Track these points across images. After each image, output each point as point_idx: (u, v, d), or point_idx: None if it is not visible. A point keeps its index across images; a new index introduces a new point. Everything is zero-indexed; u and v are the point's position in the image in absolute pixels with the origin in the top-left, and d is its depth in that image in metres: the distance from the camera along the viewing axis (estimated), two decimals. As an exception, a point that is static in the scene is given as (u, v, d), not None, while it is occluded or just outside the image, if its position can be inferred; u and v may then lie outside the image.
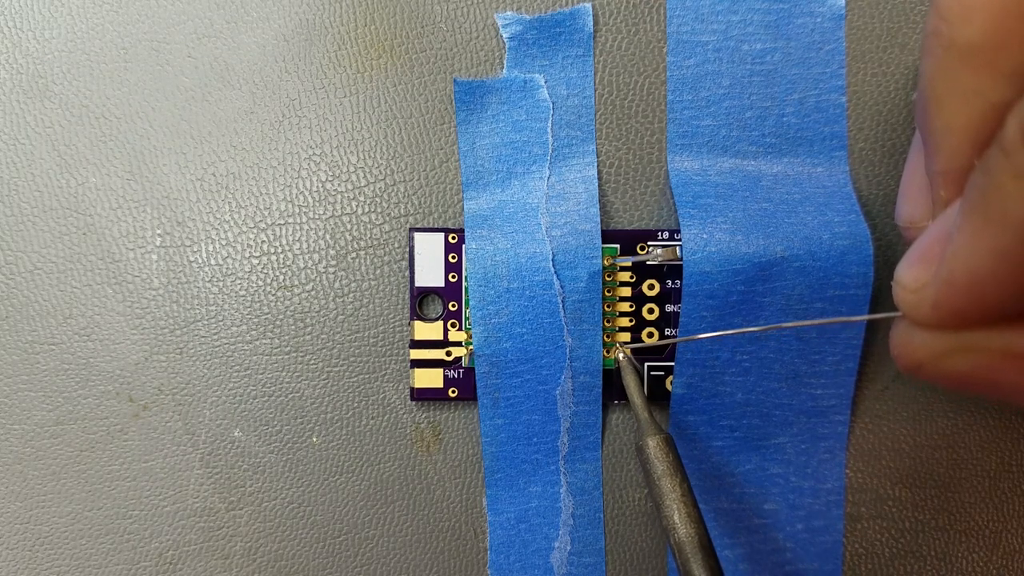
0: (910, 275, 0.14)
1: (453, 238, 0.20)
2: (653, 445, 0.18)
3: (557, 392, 0.20)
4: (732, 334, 0.19)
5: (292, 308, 0.20)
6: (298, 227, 0.20)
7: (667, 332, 0.20)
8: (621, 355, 0.20)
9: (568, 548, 0.21)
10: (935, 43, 0.13)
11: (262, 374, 0.20)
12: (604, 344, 0.20)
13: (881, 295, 0.20)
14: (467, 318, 0.20)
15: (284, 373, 0.20)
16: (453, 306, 0.20)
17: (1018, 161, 0.10)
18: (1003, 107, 0.12)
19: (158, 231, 0.20)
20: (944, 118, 0.13)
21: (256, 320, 0.20)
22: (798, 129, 0.20)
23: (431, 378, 0.20)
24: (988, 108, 0.13)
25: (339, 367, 0.21)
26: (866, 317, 0.17)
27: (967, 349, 0.13)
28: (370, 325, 0.20)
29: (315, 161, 0.20)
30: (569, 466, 0.21)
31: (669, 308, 0.20)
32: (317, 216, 0.20)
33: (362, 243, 0.20)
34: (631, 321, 0.20)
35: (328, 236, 0.20)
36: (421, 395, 0.20)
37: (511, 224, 0.20)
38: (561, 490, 0.21)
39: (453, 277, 0.20)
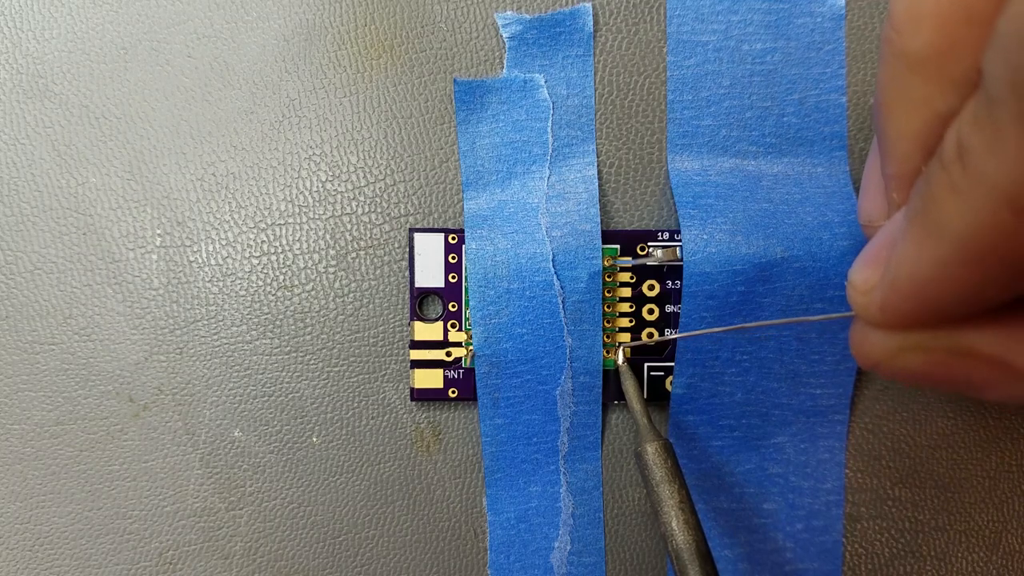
0: (860, 276, 0.14)
1: (453, 238, 0.20)
2: (652, 451, 0.18)
3: (557, 392, 0.20)
4: (717, 331, 0.19)
5: (292, 308, 0.20)
6: (298, 227, 0.20)
7: (667, 333, 0.20)
8: (621, 360, 0.20)
9: (568, 548, 0.21)
10: (887, 51, 0.13)
11: (262, 374, 0.20)
12: (604, 344, 0.20)
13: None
14: (467, 318, 0.20)
15: (284, 373, 0.21)
16: (453, 306, 0.20)
17: (954, 176, 0.11)
18: (949, 116, 0.13)
19: (158, 231, 0.20)
20: (895, 124, 0.14)
21: (256, 320, 0.20)
22: (798, 129, 0.20)
23: (431, 378, 0.20)
24: (935, 117, 0.13)
25: (339, 367, 0.21)
26: (823, 317, 0.17)
27: (915, 348, 0.13)
28: (370, 325, 0.20)
29: (315, 161, 0.20)
30: (569, 466, 0.21)
31: (669, 308, 0.20)
32: (317, 216, 0.20)
33: (362, 243, 0.20)
34: (631, 321, 0.20)
35: (328, 236, 0.20)
36: (421, 395, 0.20)
37: (511, 224, 0.20)
38: (561, 490, 0.21)
39: (453, 277, 0.20)
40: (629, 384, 0.19)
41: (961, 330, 0.13)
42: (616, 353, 0.20)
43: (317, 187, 0.20)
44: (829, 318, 0.17)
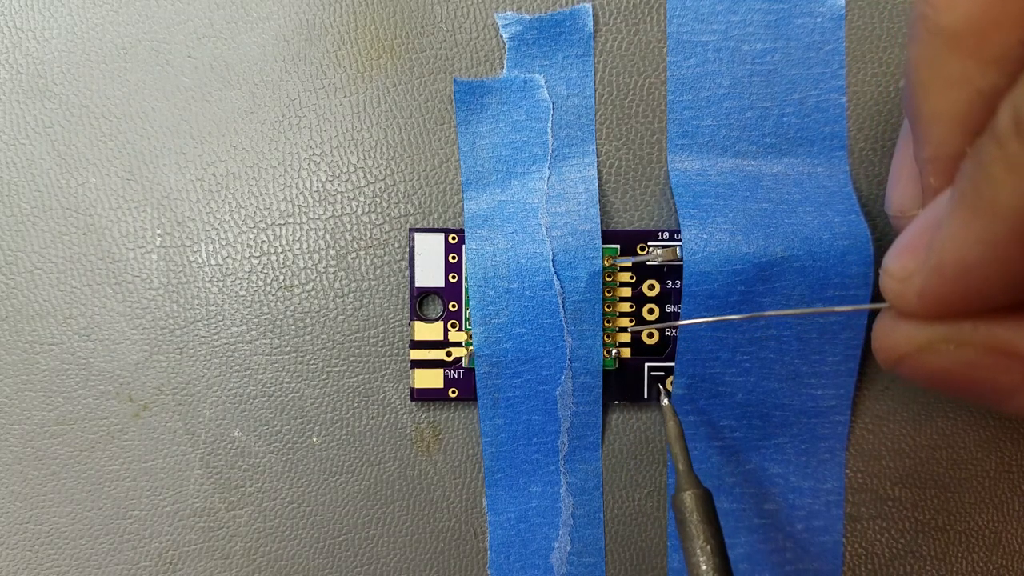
0: (898, 263, 0.13)
1: (453, 238, 0.20)
2: (688, 500, 0.17)
3: (557, 392, 0.20)
4: (735, 319, 0.19)
5: (292, 308, 0.20)
6: (298, 227, 0.20)
7: (667, 332, 0.20)
8: (664, 400, 0.19)
9: (568, 548, 0.21)
10: (921, 29, 0.13)
11: (262, 374, 0.20)
12: (604, 344, 0.20)
13: (881, 295, 0.20)
14: (467, 318, 0.20)
15: (284, 373, 0.20)
16: (453, 306, 0.20)
17: (1011, 151, 0.10)
18: (991, 93, 0.12)
19: (158, 231, 0.20)
20: (932, 105, 0.13)
21: (256, 320, 0.20)
22: (798, 129, 0.20)
23: (431, 378, 0.20)
24: (976, 94, 0.12)
25: (339, 367, 0.21)
26: (850, 308, 0.17)
27: (949, 341, 0.13)
28: (370, 325, 0.20)
29: (315, 161, 0.20)
30: (569, 466, 0.21)
31: (669, 308, 0.20)
32: (317, 216, 0.20)
33: (362, 243, 0.20)
34: (631, 321, 0.20)
35: (328, 236, 0.20)
36: (421, 395, 0.20)
37: (511, 224, 0.20)
38: (561, 490, 0.21)
39: (453, 277, 0.20)
40: (671, 425, 0.19)
41: (1000, 324, 0.12)
42: (661, 398, 0.19)
43: (317, 187, 0.20)
44: (857, 309, 0.17)
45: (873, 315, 0.20)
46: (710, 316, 0.19)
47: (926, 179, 0.14)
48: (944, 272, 0.12)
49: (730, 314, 0.19)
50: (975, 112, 0.12)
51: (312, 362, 0.21)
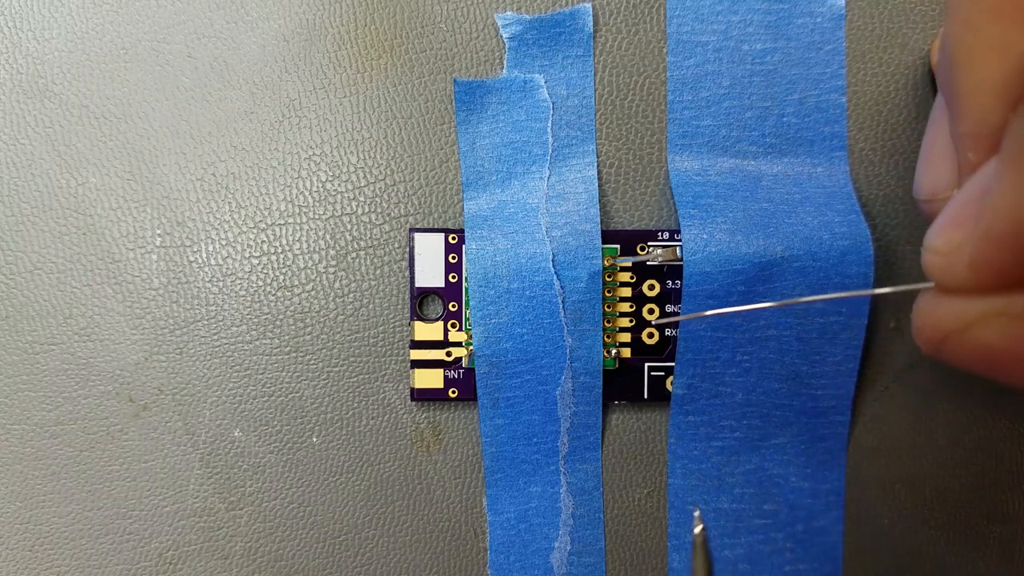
0: (942, 238, 0.13)
1: (453, 238, 0.20)
2: None
3: (557, 392, 0.20)
4: (730, 312, 0.19)
5: (292, 308, 0.20)
6: (298, 227, 0.20)
7: (667, 332, 0.20)
8: (697, 528, 0.17)
9: (568, 548, 0.21)
10: (961, 1, 0.13)
11: (262, 374, 0.20)
12: (604, 344, 0.20)
13: (886, 295, 0.20)
14: (467, 318, 0.20)
15: (284, 373, 0.20)
16: (453, 306, 0.20)
17: None
18: None
19: (158, 231, 0.20)
20: (974, 76, 0.13)
21: (256, 320, 0.20)
22: (798, 129, 0.20)
23: (431, 378, 0.20)
24: (1018, 60, 0.12)
25: (339, 367, 0.21)
26: (892, 289, 0.16)
27: (1002, 314, 0.12)
28: (370, 325, 0.20)
29: (315, 161, 0.20)
30: (569, 466, 0.21)
31: (669, 308, 0.20)
32: (317, 216, 0.20)
33: (362, 243, 0.20)
34: (631, 321, 0.20)
35: (328, 236, 0.20)
36: (421, 395, 0.20)
37: (511, 224, 0.20)
38: (561, 490, 0.21)
39: (453, 277, 0.20)
40: (699, 563, 0.17)
41: None
42: (694, 526, 0.18)
43: (317, 187, 0.20)
44: (898, 290, 0.15)
45: (874, 316, 0.20)
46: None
47: (963, 154, 0.14)
48: (995, 237, 0.12)
49: (730, 314, 0.19)
50: (1017, 79, 0.12)
51: (312, 362, 0.21)
